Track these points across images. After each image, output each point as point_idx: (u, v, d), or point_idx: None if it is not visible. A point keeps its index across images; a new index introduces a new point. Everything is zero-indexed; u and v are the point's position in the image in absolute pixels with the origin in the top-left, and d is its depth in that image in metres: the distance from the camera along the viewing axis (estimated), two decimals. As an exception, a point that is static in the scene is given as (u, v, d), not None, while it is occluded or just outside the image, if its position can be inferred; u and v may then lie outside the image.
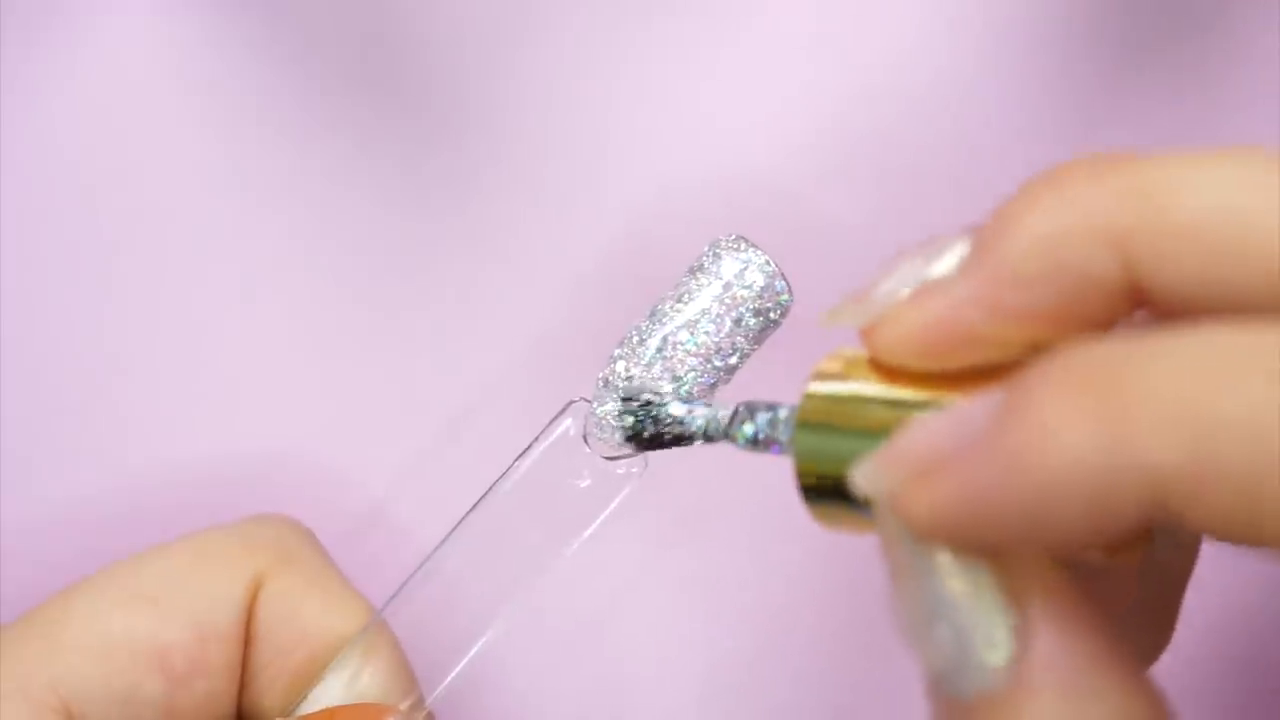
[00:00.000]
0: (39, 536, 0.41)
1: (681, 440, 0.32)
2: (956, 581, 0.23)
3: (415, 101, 0.43)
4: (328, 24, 0.43)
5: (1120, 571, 0.27)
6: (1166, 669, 0.28)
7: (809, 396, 0.27)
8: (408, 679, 0.35)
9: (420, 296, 0.42)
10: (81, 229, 0.42)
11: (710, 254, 0.34)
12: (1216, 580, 0.40)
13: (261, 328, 0.42)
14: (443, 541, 0.34)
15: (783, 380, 0.30)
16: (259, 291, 0.42)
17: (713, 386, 0.34)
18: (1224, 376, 0.21)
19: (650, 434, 0.32)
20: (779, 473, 0.41)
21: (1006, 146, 0.43)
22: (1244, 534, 0.21)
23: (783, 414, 0.29)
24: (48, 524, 0.41)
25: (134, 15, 0.42)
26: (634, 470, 0.34)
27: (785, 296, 0.34)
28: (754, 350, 0.34)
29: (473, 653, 0.33)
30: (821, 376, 0.27)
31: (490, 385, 0.42)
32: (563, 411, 0.34)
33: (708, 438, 0.31)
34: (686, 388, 0.33)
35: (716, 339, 0.33)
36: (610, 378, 0.34)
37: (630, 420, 0.32)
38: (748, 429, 0.29)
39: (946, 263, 0.25)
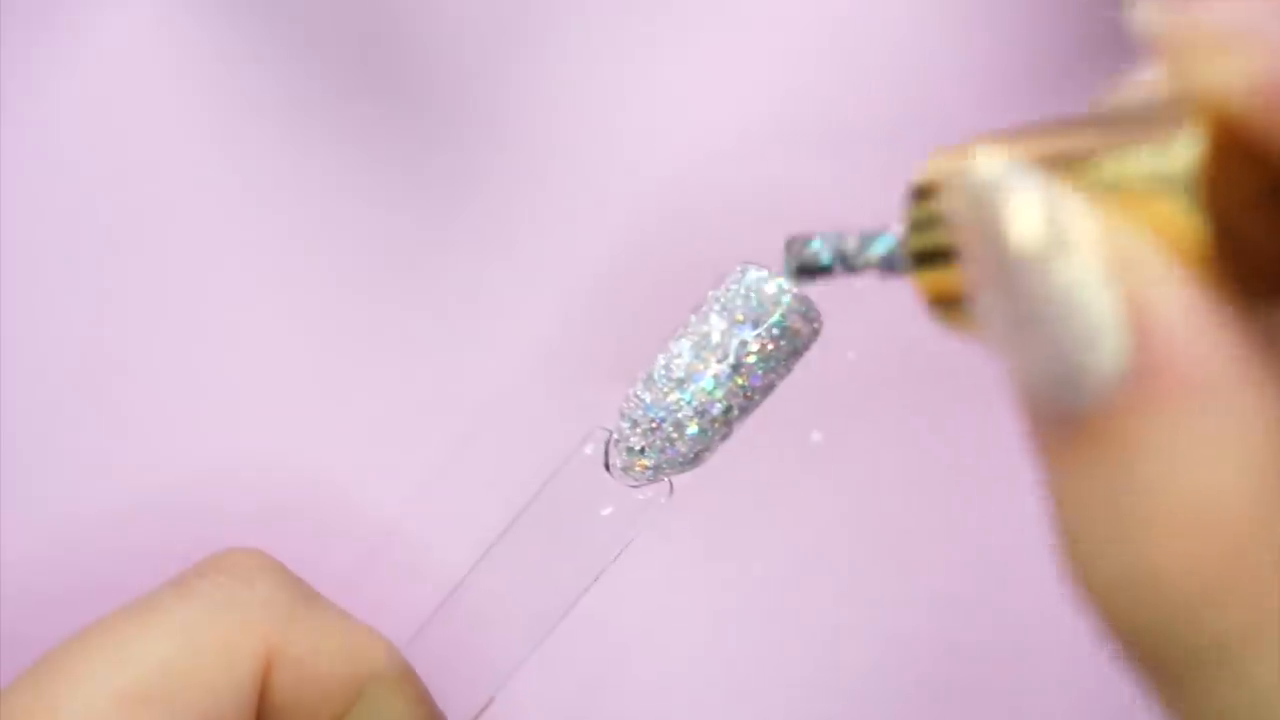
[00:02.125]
0: (39, 538, 0.41)
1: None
2: (1067, 276, 0.20)
3: (417, 101, 0.43)
4: (329, 24, 0.43)
5: None
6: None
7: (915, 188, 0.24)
8: (433, 716, 0.34)
9: (423, 296, 0.42)
10: (81, 229, 0.42)
11: (735, 277, 0.34)
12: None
13: (263, 328, 0.42)
14: (464, 578, 0.34)
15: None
16: (260, 291, 0.42)
17: (745, 408, 0.34)
18: None
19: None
20: (780, 472, 0.42)
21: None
22: None
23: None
24: (48, 526, 0.41)
25: (134, 15, 0.42)
26: (656, 497, 0.34)
27: (816, 324, 0.34)
28: (783, 372, 0.34)
29: (499, 688, 0.33)
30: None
31: (500, 388, 0.42)
32: (583, 440, 0.34)
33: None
34: (712, 416, 0.34)
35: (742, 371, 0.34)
36: (627, 409, 0.34)
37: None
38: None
39: None
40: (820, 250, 0.29)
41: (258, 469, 0.41)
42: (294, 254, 0.42)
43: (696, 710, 0.42)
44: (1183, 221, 0.20)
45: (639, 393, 0.34)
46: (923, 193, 0.24)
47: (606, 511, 0.34)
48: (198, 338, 0.42)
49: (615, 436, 0.34)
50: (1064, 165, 0.22)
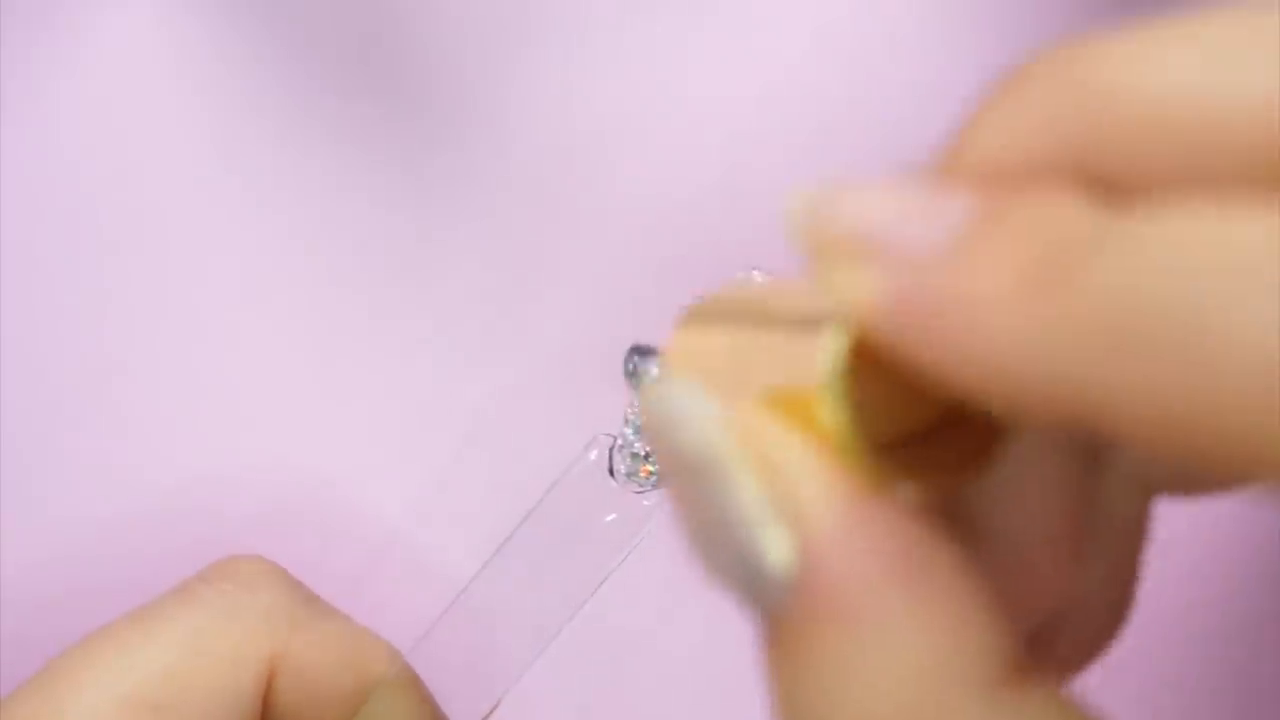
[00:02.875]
0: (39, 541, 0.41)
1: None
2: (737, 488, 0.20)
3: (417, 101, 0.43)
4: (329, 24, 0.42)
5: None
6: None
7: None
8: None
9: (424, 297, 0.42)
10: (81, 229, 0.42)
11: (740, 282, 0.34)
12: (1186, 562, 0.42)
13: (263, 329, 0.42)
14: (469, 584, 0.34)
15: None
16: (261, 292, 0.42)
17: None
18: (1213, 280, 0.17)
19: None
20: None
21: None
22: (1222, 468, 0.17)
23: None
24: (48, 528, 0.41)
25: (134, 15, 0.42)
26: (660, 503, 0.34)
27: None
28: None
29: (504, 694, 0.33)
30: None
31: (503, 392, 0.42)
32: (587, 446, 0.34)
33: None
34: None
35: None
36: (631, 415, 0.34)
37: None
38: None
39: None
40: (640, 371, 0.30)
41: (259, 472, 0.41)
42: (294, 254, 0.42)
43: (698, 711, 0.42)
44: (830, 416, 0.20)
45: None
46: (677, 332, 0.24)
47: (610, 518, 0.34)
48: (198, 339, 0.42)
49: (619, 442, 0.34)
50: (739, 360, 0.22)
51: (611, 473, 0.34)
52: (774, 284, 0.22)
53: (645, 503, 0.34)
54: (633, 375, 0.31)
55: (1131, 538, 0.25)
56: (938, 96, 0.43)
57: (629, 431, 0.34)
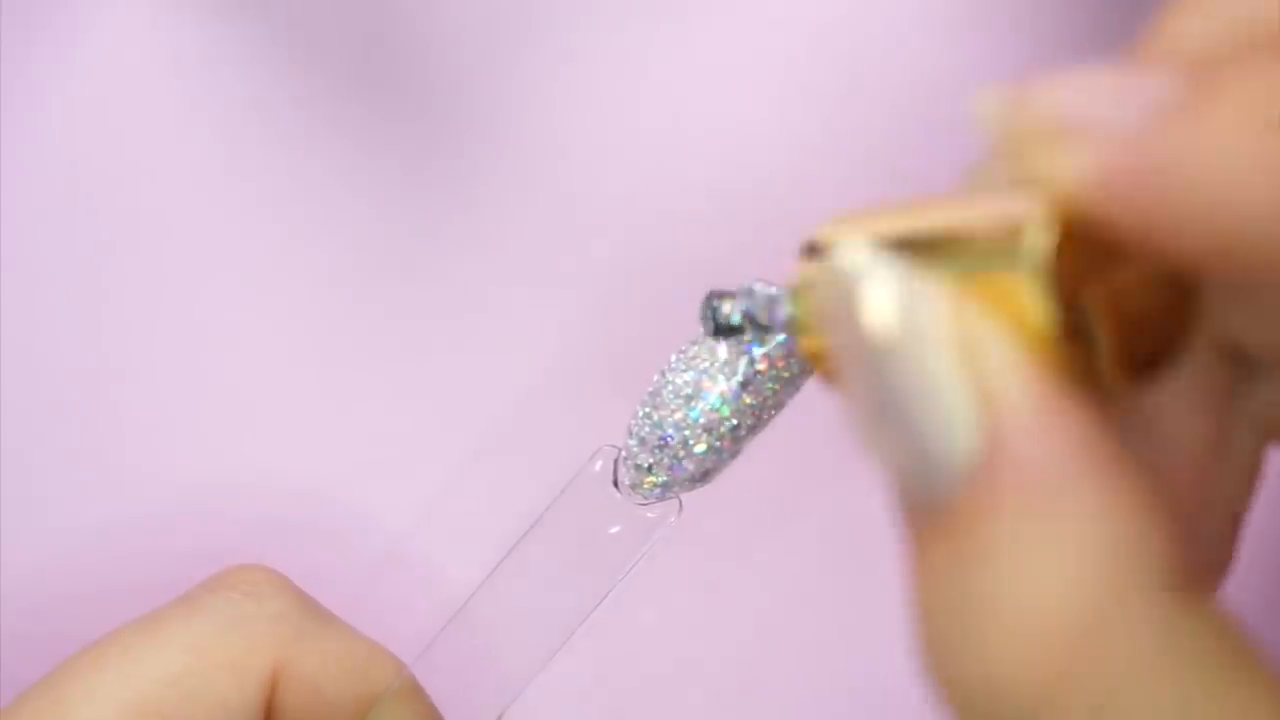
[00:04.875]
0: (40, 546, 0.41)
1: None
2: (930, 364, 0.20)
3: (417, 102, 0.43)
4: (328, 24, 0.42)
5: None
6: None
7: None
8: None
9: (424, 298, 0.42)
10: (80, 229, 0.42)
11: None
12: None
13: (263, 331, 0.42)
14: (473, 595, 0.34)
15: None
16: (261, 293, 0.42)
17: (754, 426, 0.34)
18: None
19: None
20: (779, 472, 0.42)
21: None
22: None
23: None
24: (49, 533, 0.41)
25: (134, 15, 0.42)
26: (665, 515, 0.34)
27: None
28: (792, 390, 0.34)
29: (508, 706, 0.33)
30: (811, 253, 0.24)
31: (508, 401, 0.42)
32: (592, 457, 0.34)
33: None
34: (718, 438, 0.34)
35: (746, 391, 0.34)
36: (635, 427, 0.34)
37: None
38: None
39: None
40: (731, 311, 0.29)
41: (260, 477, 0.41)
42: (294, 255, 0.42)
43: (700, 712, 0.42)
44: (1035, 308, 0.20)
45: (647, 410, 0.34)
46: (810, 256, 0.24)
47: (615, 530, 0.34)
48: (198, 340, 0.42)
49: (623, 454, 0.34)
50: (925, 247, 0.22)
51: (616, 484, 0.34)
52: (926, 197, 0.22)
53: (649, 515, 0.34)
54: (712, 318, 0.30)
55: (1246, 478, 0.24)
56: (938, 96, 0.43)
57: (633, 443, 0.34)
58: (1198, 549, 0.24)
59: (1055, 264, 0.20)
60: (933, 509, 0.20)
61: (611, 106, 0.43)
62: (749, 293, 0.29)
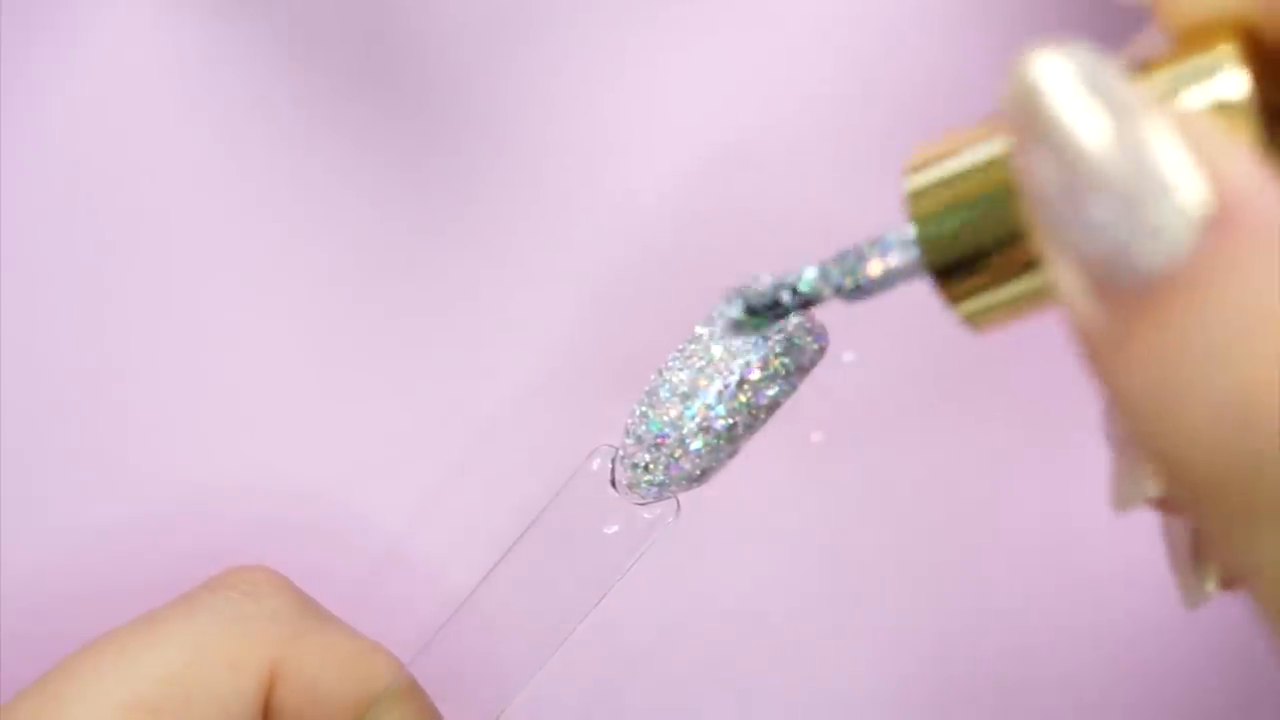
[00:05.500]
0: (40, 546, 0.41)
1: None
2: (1155, 130, 0.20)
3: (417, 101, 0.43)
4: (328, 23, 0.42)
5: None
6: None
7: (912, 194, 0.25)
8: None
9: (424, 297, 0.42)
10: (81, 229, 0.42)
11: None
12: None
13: (264, 332, 0.42)
14: (470, 594, 0.34)
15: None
16: (261, 293, 0.42)
17: (750, 426, 0.34)
18: None
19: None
20: (778, 472, 0.42)
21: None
22: None
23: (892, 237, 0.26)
24: (48, 531, 0.41)
25: (134, 15, 0.42)
26: (664, 515, 0.34)
27: (821, 341, 0.34)
28: (788, 390, 0.34)
29: (506, 705, 0.33)
30: (914, 169, 0.25)
31: (507, 400, 0.42)
32: (590, 456, 0.34)
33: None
34: (713, 434, 0.34)
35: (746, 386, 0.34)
36: (632, 426, 0.34)
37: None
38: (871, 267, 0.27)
39: None
40: (766, 292, 0.29)
41: (259, 477, 0.41)
42: (295, 255, 0.42)
43: (700, 711, 0.42)
44: (1239, 108, 0.21)
45: (644, 409, 0.34)
46: (917, 172, 0.25)
47: (613, 530, 0.34)
48: (198, 340, 0.42)
49: (621, 453, 0.34)
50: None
51: (613, 484, 0.34)
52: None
53: (646, 515, 0.34)
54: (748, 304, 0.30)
55: None
56: (938, 95, 0.43)
57: (630, 442, 0.34)
58: None
59: (1256, 97, 0.21)
60: (1145, 282, 0.20)
61: (611, 105, 0.43)
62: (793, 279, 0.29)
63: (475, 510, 0.41)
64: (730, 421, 0.33)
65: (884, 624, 0.42)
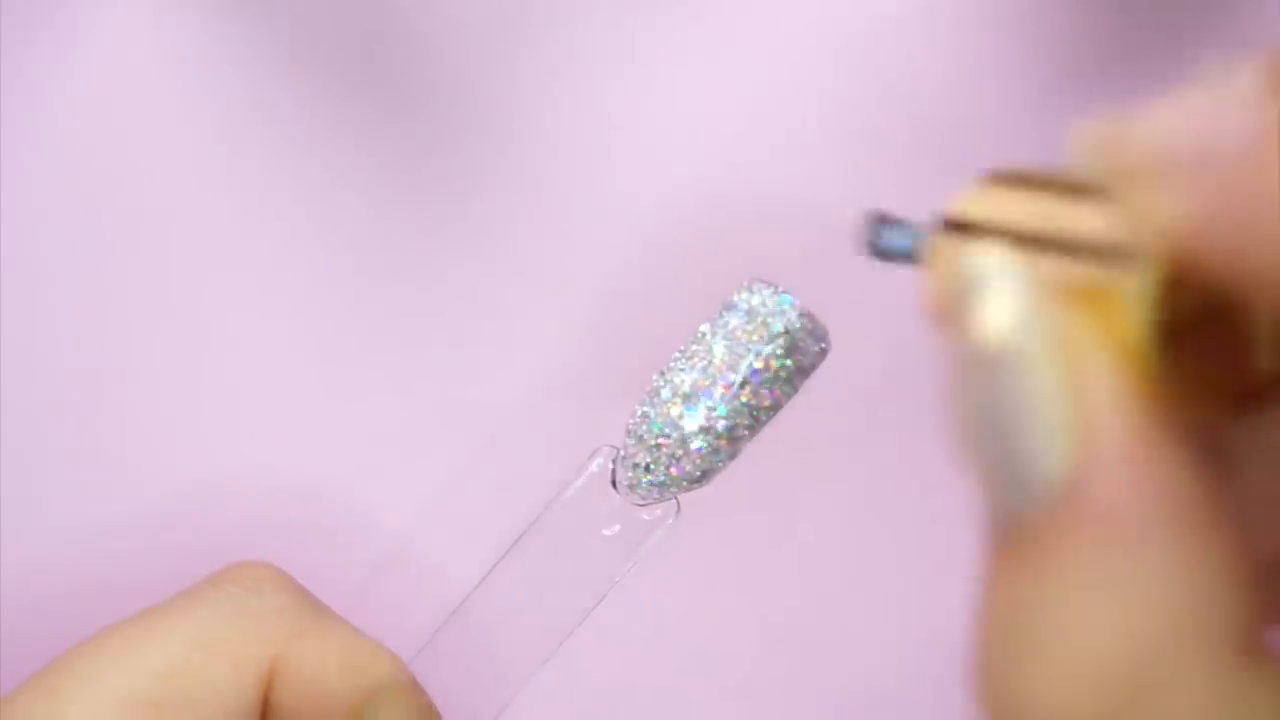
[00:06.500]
0: (40, 545, 0.41)
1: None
2: (1037, 382, 0.20)
3: (417, 101, 0.43)
4: (328, 24, 0.42)
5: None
6: None
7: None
8: None
9: (424, 297, 0.42)
10: (81, 229, 0.42)
11: (741, 292, 0.34)
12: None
13: (264, 331, 0.42)
14: (472, 592, 0.34)
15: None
16: (261, 293, 0.42)
17: (751, 427, 0.34)
18: None
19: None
20: (778, 472, 0.42)
21: (1007, 145, 0.43)
22: None
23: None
24: (48, 530, 0.41)
25: (134, 15, 0.42)
26: (664, 516, 0.34)
27: (823, 344, 0.34)
28: (790, 392, 0.34)
29: (507, 704, 0.33)
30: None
31: (509, 400, 0.42)
32: (592, 456, 0.34)
33: None
34: (717, 431, 0.34)
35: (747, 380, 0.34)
36: (633, 426, 0.34)
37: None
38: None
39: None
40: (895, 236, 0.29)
41: (260, 476, 0.41)
42: (295, 254, 0.42)
43: (701, 711, 0.42)
44: (1138, 334, 0.20)
45: (645, 410, 0.34)
46: (947, 230, 0.24)
47: (614, 530, 0.34)
48: (198, 339, 0.42)
49: (622, 453, 0.34)
50: (1046, 244, 0.21)
51: (614, 484, 0.34)
52: (1064, 178, 0.22)
53: (646, 516, 0.34)
54: (873, 245, 0.30)
55: None
56: (941, 95, 0.43)
57: (631, 442, 0.34)
58: None
59: (1157, 299, 0.20)
60: (1015, 524, 0.20)
61: (611, 105, 0.43)
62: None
63: (476, 510, 0.41)
64: (731, 423, 0.33)
65: (885, 624, 0.42)
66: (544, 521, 0.34)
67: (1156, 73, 0.43)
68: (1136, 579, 0.19)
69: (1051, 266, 0.21)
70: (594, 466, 0.34)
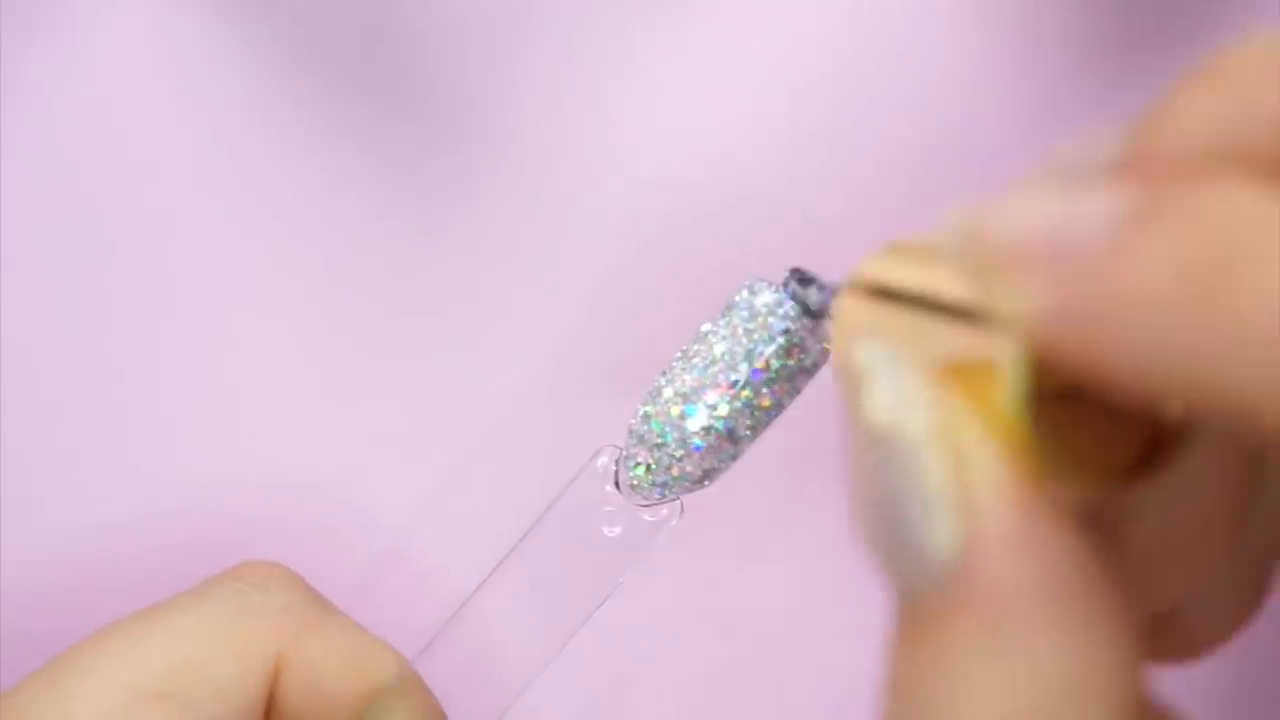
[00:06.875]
0: (40, 544, 0.41)
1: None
2: (922, 467, 0.20)
3: (417, 101, 0.43)
4: (328, 24, 0.42)
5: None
6: None
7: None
8: None
9: (424, 297, 0.42)
10: (81, 229, 0.42)
11: (742, 292, 0.34)
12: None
13: (264, 331, 0.42)
14: (474, 591, 0.34)
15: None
16: (261, 293, 0.42)
17: (753, 427, 0.34)
18: None
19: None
20: (778, 473, 0.42)
21: (1006, 146, 0.43)
22: None
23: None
24: (48, 529, 0.41)
25: (134, 15, 0.42)
26: (667, 517, 0.34)
27: (825, 344, 0.34)
28: (792, 392, 0.34)
29: (511, 703, 0.33)
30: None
31: (503, 391, 0.42)
32: (594, 457, 0.34)
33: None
34: (717, 430, 0.33)
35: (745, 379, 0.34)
36: (635, 427, 0.34)
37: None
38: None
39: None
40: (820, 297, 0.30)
41: (261, 475, 0.41)
42: (295, 254, 0.42)
43: (702, 711, 0.42)
44: (1012, 407, 0.20)
45: (647, 409, 0.34)
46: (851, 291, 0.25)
47: (616, 531, 0.34)
48: (198, 339, 0.42)
49: (624, 454, 0.34)
50: (925, 331, 0.22)
51: (617, 484, 0.34)
52: (950, 249, 0.22)
53: (649, 517, 0.34)
54: (796, 299, 0.31)
55: (1270, 556, 0.24)
56: (940, 96, 0.43)
57: (633, 443, 0.34)
58: (1197, 616, 0.24)
59: (1027, 379, 0.20)
60: (911, 603, 0.20)
61: (611, 106, 0.43)
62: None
63: (477, 510, 0.41)
64: (733, 423, 0.33)
65: (887, 625, 0.42)
66: (546, 522, 0.34)
67: (1158, 72, 0.43)
68: (1024, 655, 0.19)
69: (941, 337, 0.22)
70: (596, 467, 0.34)
